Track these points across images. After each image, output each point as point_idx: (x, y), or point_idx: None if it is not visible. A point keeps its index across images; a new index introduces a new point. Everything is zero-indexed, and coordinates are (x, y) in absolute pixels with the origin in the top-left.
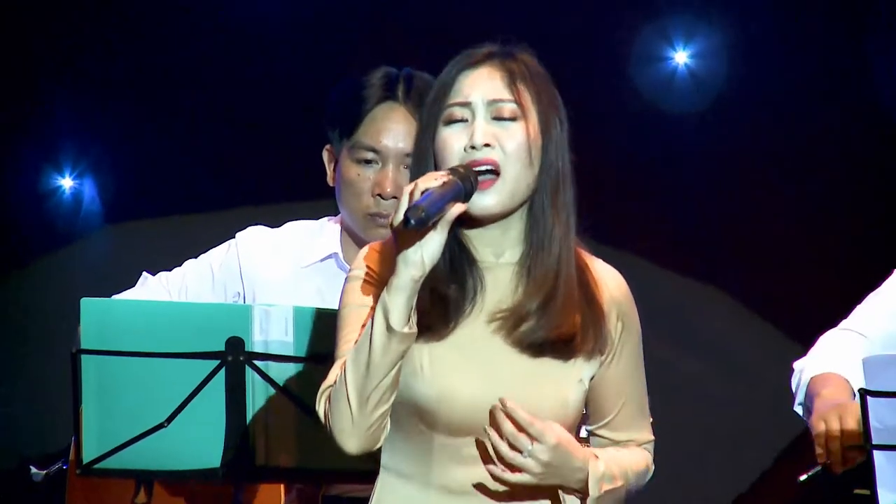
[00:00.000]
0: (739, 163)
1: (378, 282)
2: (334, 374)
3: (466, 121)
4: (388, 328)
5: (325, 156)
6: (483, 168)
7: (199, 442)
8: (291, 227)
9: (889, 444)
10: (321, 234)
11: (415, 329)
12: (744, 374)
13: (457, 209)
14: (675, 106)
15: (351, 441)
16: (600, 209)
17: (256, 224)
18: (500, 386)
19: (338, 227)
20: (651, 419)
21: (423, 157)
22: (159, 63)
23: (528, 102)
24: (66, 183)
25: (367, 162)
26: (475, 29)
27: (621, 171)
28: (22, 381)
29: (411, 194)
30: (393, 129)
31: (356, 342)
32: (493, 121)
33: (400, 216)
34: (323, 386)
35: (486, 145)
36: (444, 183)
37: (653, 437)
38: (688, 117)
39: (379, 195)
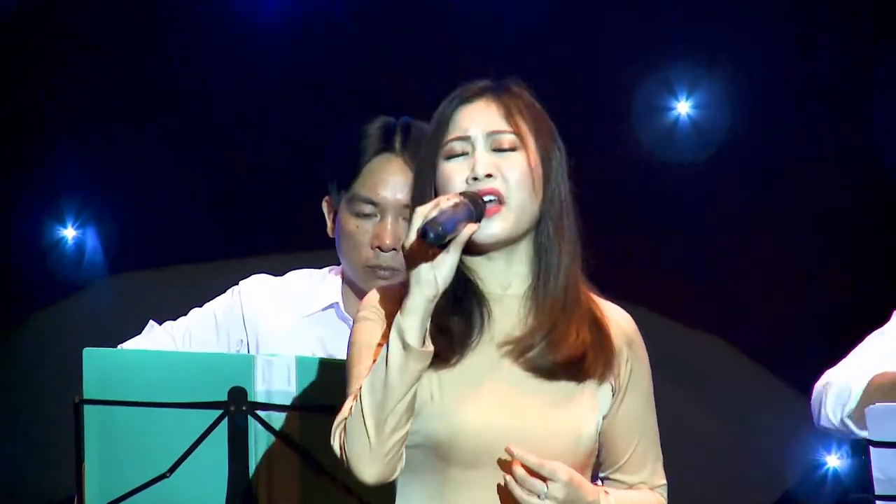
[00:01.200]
0: (740, 213)
1: (386, 322)
2: (348, 406)
3: (467, 154)
4: (405, 346)
5: (325, 207)
6: (488, 198)
7: (202, 492)
8: (294, 275)
9: (892, 496)
10: (323, 283)
11: (431, 348)
12: (744, 422)
13: (469, 230)
14: (676, 156)
15: (368, 468)
16: (601, 258)
17: (260, 273)
18: (514, 415)
19: (339, 278)
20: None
21: (425, 193)
22: (160, 112)
23: (525, 132)
24: (69, 233)
25: (366, 214)
26: (478, 75)
27: (622, 219)
28: (25, 433)
29: (426, 213)
30: (390, 181)
31: (370, 370)
32: (494, 152)
33: (412, 235)
34: (337, 420)
35: (488, 175)
36: (456, 204)
37: (665, 482)
38: (689, 167)
39: (378, 247)
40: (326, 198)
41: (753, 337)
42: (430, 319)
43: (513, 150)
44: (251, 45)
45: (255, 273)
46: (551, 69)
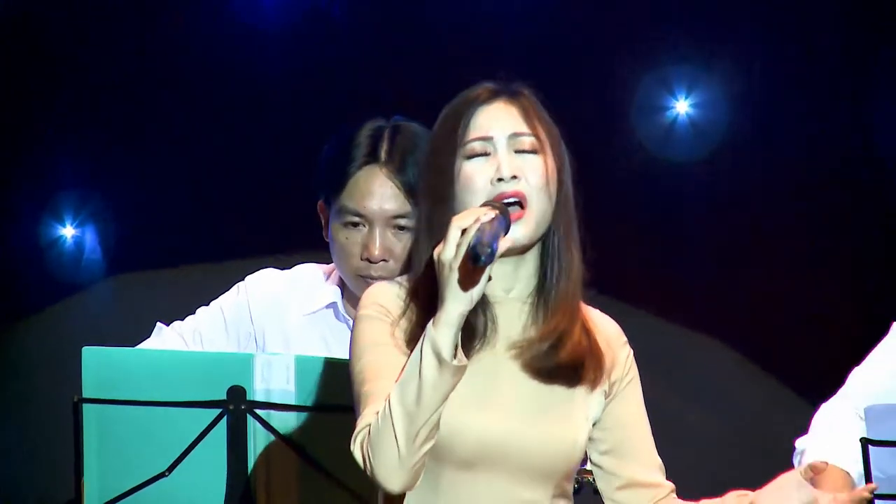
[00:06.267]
0: (740, 212)
1: (391, 319)
2: (371, 413)
3: (488, 154)
4: (441, 361)
5: (320, 211)
6: (511, 200)
7: (201, 491)
8: (301, 269)
9: (890, 494)
10: (326, 281)
11: (465, 362)
12: (746, 426)
13: (505, 244)
14: (675, 154)
15: (396, 478)
16: (599, 258)
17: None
18: (512, 418)
19: (338, 278)
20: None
21: (445, 192)
22: (160, 111)
23: (544, 136)
24: (68, 232)
25: (354, 225)
26: (478, 77)
27: (620, 219)
28: (25, 432)
29: (466, 230)
30: (377, 193)
31: (398, 380)
32: (516, 154)
33: (451, 248)
34: (358, 426)
35: (514, 177)
36: (493, 219)
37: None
38: (688, 166)
39: (367, 259)
40: (320, 203)
41: (753, 337)
42: (460, 333)
43: (533, 152)
44: (251, 43)
45: (252, 269)
46: (550, 68)
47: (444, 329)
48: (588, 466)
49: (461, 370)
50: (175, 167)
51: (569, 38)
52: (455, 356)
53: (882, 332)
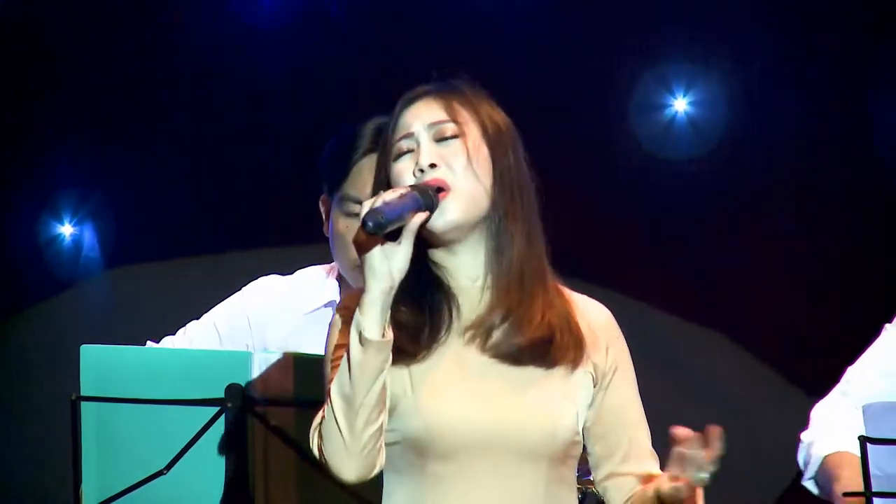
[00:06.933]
0: (738, 210)
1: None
2: (322, 410)
3: (413, 150)
4: (362, 340)
5: (321, 206)
6: (434, 187)
7: (199, 489)
8: (302, 273)
9: (889, 492)
10: (326, 279)
11: (390, 337)
12: (745, 419)
13: (418, 219)
14: (673, 153)
15: (346, 466)
16: (599, 255)
17: (258, 268)
18: (487, 406)
19: (338, 273)
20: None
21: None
22: (159, 111)
23: (466, 119)
24: (66, 230)
25: (355, 214)
26: (474, 75)
27: (619, 217)
28: (23, 429)
29: (372, 205)
30: None
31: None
32: (437, 143)
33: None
34: (314, 424)
35: (432, 165)
36: (402, 194)
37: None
38: (687, 164)
39: None
40: (322, 197)
41: (751, 335)
42: (388, 312)
43: (455, 137)
44: (251, 43)
45: (250, 268)
46: (549, 67)
47: (366, 308)
48: (591, 477)
49: (384, 346)
50: (174, 167)
51: (568, 37)
52: (383, 334)
53: (879, 323)
